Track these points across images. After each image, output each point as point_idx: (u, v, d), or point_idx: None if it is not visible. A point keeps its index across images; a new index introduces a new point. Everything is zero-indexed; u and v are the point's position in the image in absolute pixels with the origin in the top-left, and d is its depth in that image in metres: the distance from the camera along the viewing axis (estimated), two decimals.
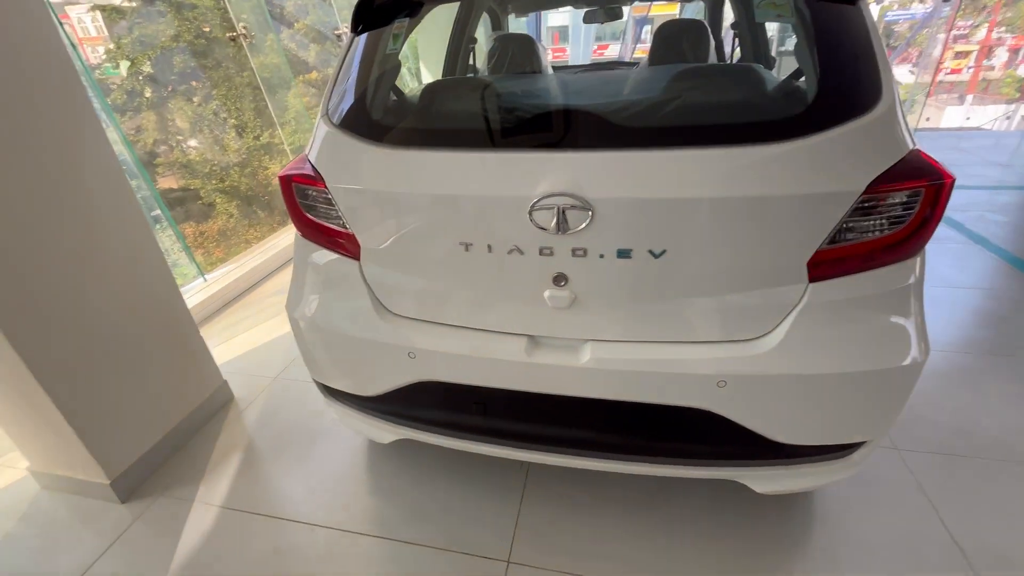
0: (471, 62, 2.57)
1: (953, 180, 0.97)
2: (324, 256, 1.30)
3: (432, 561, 1.43)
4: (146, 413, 1.78)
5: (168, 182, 4.48)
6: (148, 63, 4.09)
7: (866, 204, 0.96)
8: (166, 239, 3.25)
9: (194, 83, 4.74)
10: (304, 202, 1.26)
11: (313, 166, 1.22)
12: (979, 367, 2.08)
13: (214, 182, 4.90)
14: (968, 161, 4.94)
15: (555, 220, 0.99)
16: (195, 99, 4.75)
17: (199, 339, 2.01)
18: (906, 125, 1.00)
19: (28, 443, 1.70)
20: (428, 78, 5.30)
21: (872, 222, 0.98)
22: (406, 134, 1.18)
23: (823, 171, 0.95)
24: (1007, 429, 1.75)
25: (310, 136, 1.28)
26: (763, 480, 1.24)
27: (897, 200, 0.97)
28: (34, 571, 1.51)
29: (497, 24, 2.91)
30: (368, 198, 1.16)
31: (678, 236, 1.00)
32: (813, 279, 1.02)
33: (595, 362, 1.10)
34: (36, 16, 1.41)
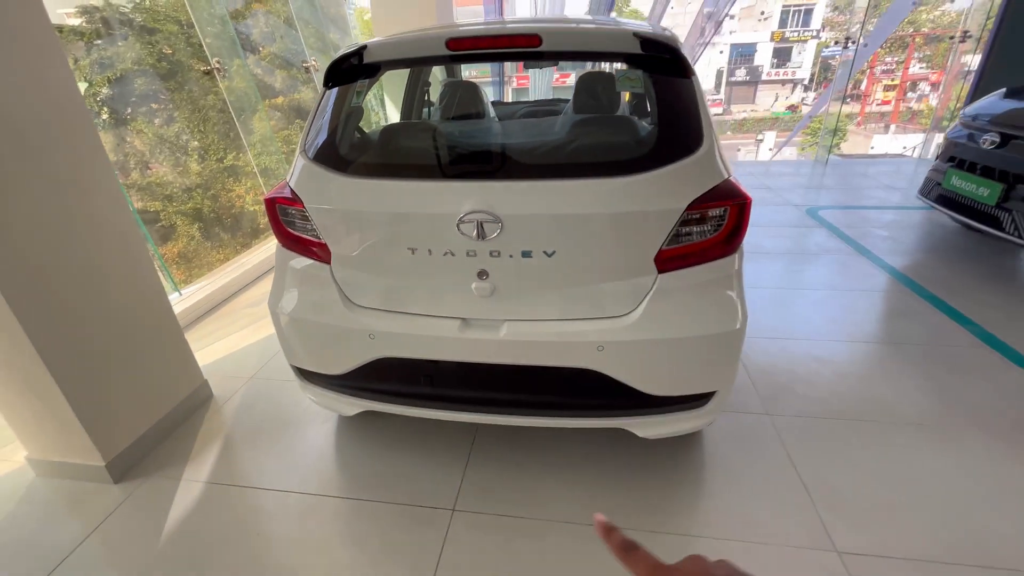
0: (428, 101, 2.98)
1: (750, 200, 1.42)
2: (301, 262, 1.64)
3: (387, 513, 1.75)
4: (138, 404, 2.04)
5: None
6: (107, 85, 4.19)
7: (690, 217, 1.38)
8: None
9: (154, 105, 4.91)
10: (285, 219, 1.60)
11: (293, 190, 1.57)
12: (847, 353, 2.56)
13: (175, 204, 5.01)
14: (868, 185, 5.69)
15: (476, 230, 1.38)
16: (156, 121, 4.92)
17: (183, 341, 2.28)
18: (722, 161, 1.45)
19: (29, 431, 1.93)
20: (395, 115, 5.62)
21: (696, 230, 1.41)
22: (366, 166, 1.55)
23: (660, 195, 1.37)
24: (854, 398, 2.22)
25: (276, 158, 1.64)
26: (643, 427, 1.63)
27: (712, 215, 1.40)
28: (34, 545, 1.72)
29: (451, 71, 3.35)
30: (337, 215, 1.51)
31: (564, 241, 1.40)
32: (661, 271, 1.44)
33: (510, 335, 1.48)
34: (46, 48, 1.70)
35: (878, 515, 1.66)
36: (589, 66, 4.58)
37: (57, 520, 1.80)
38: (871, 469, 1.84)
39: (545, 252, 1.41)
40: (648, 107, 2.62)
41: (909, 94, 28.04)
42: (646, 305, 1.45)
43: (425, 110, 2.94)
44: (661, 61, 1.46)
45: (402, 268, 1.52)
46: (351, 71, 1.63)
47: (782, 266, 3.64)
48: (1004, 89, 3.58)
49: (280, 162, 4.92)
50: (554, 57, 1.48)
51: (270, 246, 4.20)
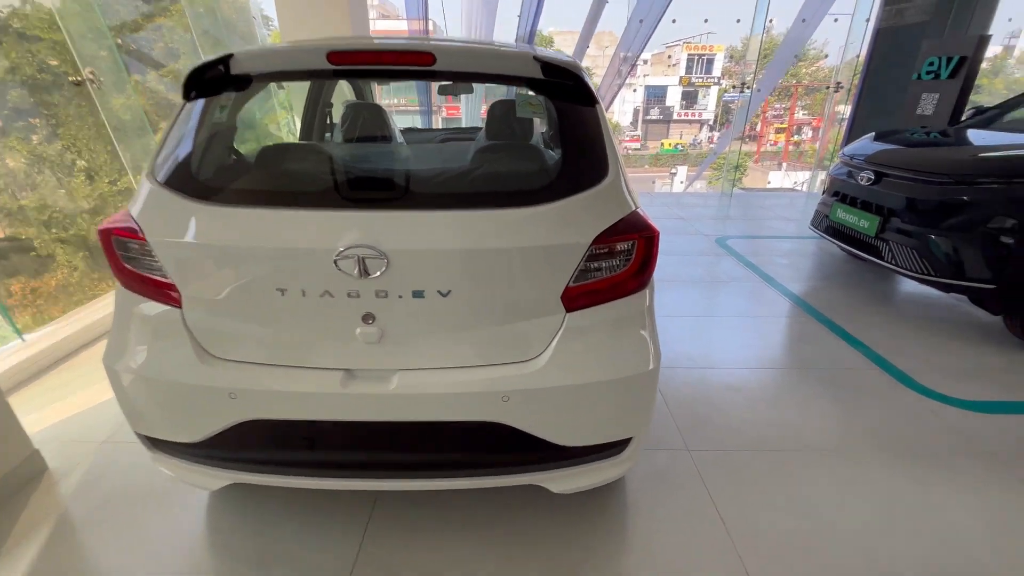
0: (330, 125, 2.76)
1: (658, 233, 1.35)
2: (145, 306, 1.34)
3: None
4: None
5: None
6: None
7: (596, 252, 1.28)
8: None
9: (33, 120, 4.32)
10: (124, 254, 1.31)
11: (135, 220, 1.29)
12: (756, 378, 2.61)
13: (55, 231, 4.40)
14: (767, 216, 6.17)
15: (357, 267, 1.18)
16: (35, 138, 4.31)
17: (3, 405, 1.82)
18: (629, 192, 1.37)
19: None
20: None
21: (604, 264, 1.31)
22: (229, 193, 1.31)
23: (564, 227, 1.26)
24: (767, 426, 2.23)
25: None
26: (557, 481, 1.48)
27: (620, 248, 1.31)
28: None
29: (358, 92, 3.16)
30: (187, 250, 1.25)
31: (461, 279, 1.25)
32: (569, 309, 1.32)
33: (402, 388, 1.28)
34: None
35: (792, 550, 1.62)
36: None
37: None
38: (784, 500, 1.82)
39: (439, 291, 1.24)
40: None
41: (796, 136, 31.85)
42: (555, 347, 1.32)
43: (328, 135, 2.71)
44: (563, 88, 1.39)
45: (269, 313, 1.28)
46: (217, 82, 1.40)
47: (696, 294, 3.75)
48: (873, 133, 4.01)
49: None
50: (449, 78, 1.36)
51: None
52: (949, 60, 5.10)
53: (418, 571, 1.53)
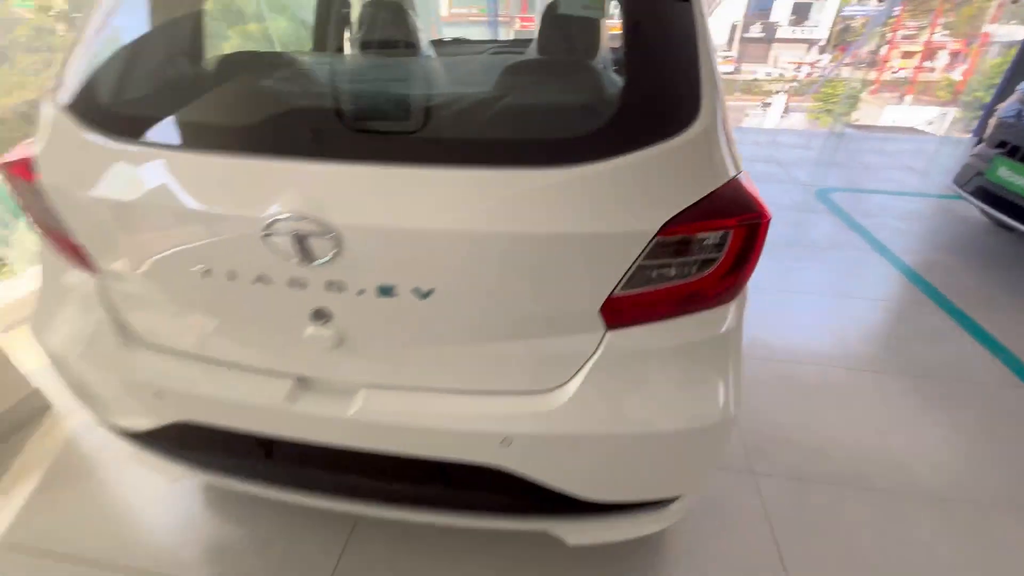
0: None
1: (768, 219, 0.85)
2: (62, 266, 1.05)
3: None
4: None
5: None
6: None
7: (664, 244, 0.81)
8: None
9: None
10: (24, 200, 1.00)
11: (33, 158, 0.96)
12: (853, 384, 2.07)
13: None
14: (887, 165, 5.07)
15: (294, 248, 0.80)
16: None
17: None
18: (729, 147, 0.86)
19: None
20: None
21: (672, 264, 0.84)
22: (147, 126, 0.93)
23: (615, 203, 0.79)
24: (862, 453, 1.74)
25: None
26: (575, 533, 1.12)
27: (703, 241, 0.83)
28: None
29: None
30: (89, 204, 0.92)
31: (448, 274, 0.83)
32: (611, 326, 0.88)
33: (365, 412, 0.93)
34: None
35: None
36: None
37: None
38: (879, 561, 1.39)
39: (417, 290, 0.84)
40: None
41: (928, 63, 26.60)
42: (585, 377, 0.90)
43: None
44: None
45: (195, 298, 0.95)
46: None
47: (783, 261, 3.09)
48: None
49: None
50: None
51: None
52: None
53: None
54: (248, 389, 0.97)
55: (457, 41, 2.84)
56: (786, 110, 23.06)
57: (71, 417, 1.84)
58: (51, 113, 0.96)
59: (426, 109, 0.93)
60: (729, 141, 0.87)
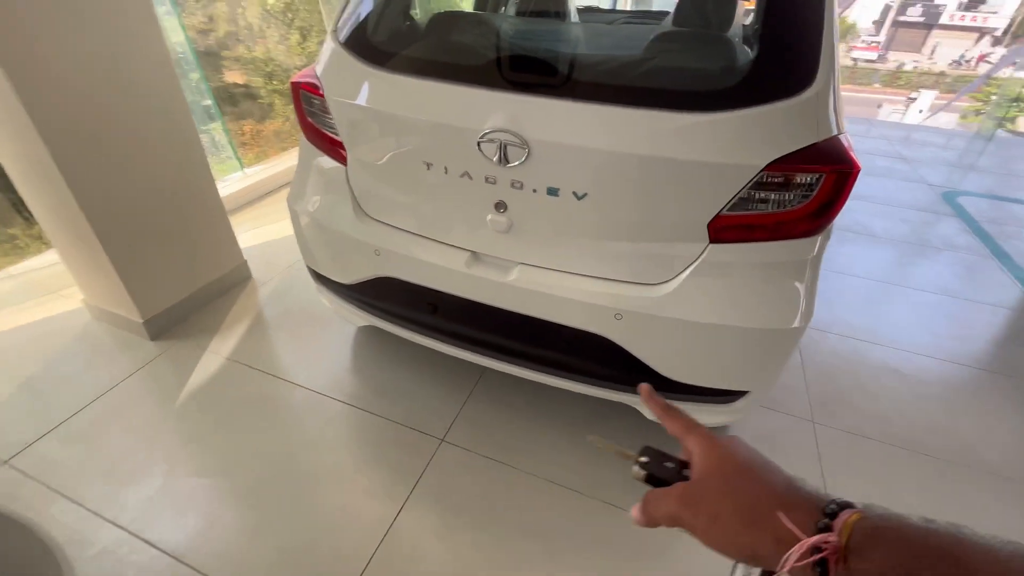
0: None
1: (857, 169, 1.07)
2: (320, 159, 1.51)
3: (381, 428, 1.75)
4: (176, 273, 2.13)
5: (235, 76, 4.56)
6: None
7: (767, 180, 1.07)
8: (217, 132, 3.54)
9: None
10: (308, 108, 1.46)
11: (318, 77, 1.41)
12: (939, 373, 2.15)
13: (274, 82, 5.07)
14: None
15: (497, 153, 1.16)
16: None
17: (226, 222, 2.32)
18: (835, 112, 1.09)
19: (84, 280, 2.09)
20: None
21: (773, 197, 1.10)
22: (397, 60, 1.34)
23: (734, 143, 1.06)
24: (927, 425, 1.87)
25: None
26: None
27: (799, 180, 1.08)
28: (81, 379, 1.92)
29: None
30: (355, 112, 1.35)
31: (599, 183, 1.16)
32: (713, 240, 1.17)
33: (519, 280, 1.30)
34: None
35: None
36: None
37: (99, 363, 1.99)
38: (919, 511, 1.56)
39: (575, 193, 1.17)
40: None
41: None
42: (685, 278, 1.20)
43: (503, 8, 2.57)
44: None
45: (416, 184, 1.36)
46: None
47: (889, 256, 3.08)
48: None
49: None
50: None
51: None
52: None
53: (501, 448, 1.69)
54: (437, 256, 1.38)
55: (592, 9, 3.08)
56: (932, 109, 20.31)
57: (266, 286, 2.45)
58: (332, 47, 1.39)
59: (602, 64, 1.25)
60: (836, 107, 1.09)
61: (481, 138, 1.17)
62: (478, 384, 1.92)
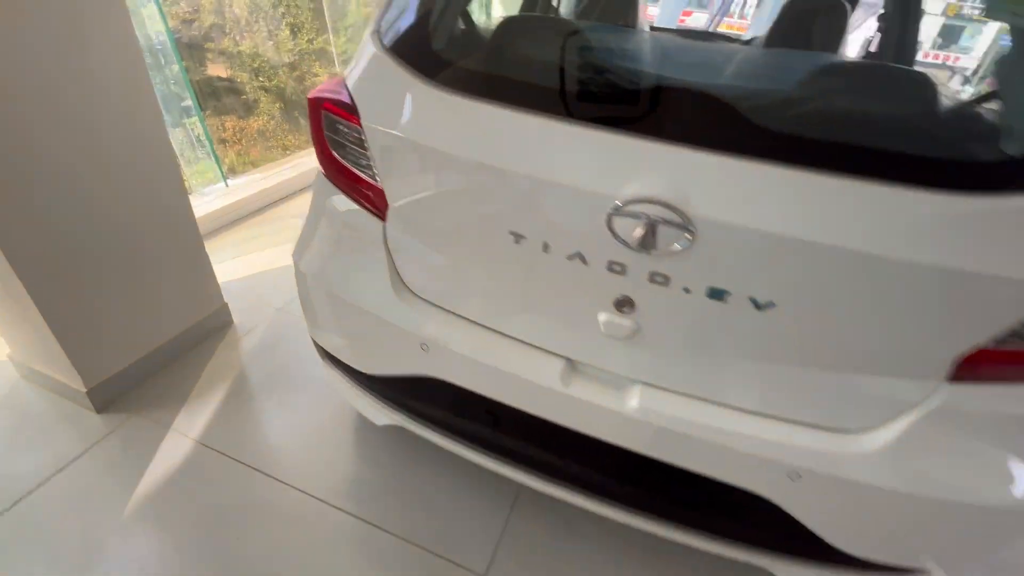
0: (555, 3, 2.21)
1: None
2: (345, 204, 1.08)
3: (401, 555, 1.31)
4: (135, 325, 1.65)
5: (218, 69, 4.21)
6: None
7: None
8: (195, 126, 3.05)
9: None
10: (332, 136, 1.03)
11: (350, 94, 0.98)
12: None
13: (260, 79, 4.70)
14: None
15: (641, 233, 0.75)
16: None
17: (203, 254, 1.84)
18: None
19: (9, 333, 1.60)
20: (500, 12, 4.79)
21: None
22: (468, 77, 0.92)
23: (1010, 243, 0.68)
24: None
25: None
26: (795, 575, 1.04)
27: None
28: (3, 463, 1.44)
29: None
30: (408, 148, 0.92)
31: (796, 289, 0.76)
32: (956, 379, 0.78)
33: (642, 412, 0.89)
34: None
35: None
36: None
37: (30, 442, 1.50)
38: None
39: (754, 300, 0.77)
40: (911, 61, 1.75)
41: None
42: (905, 428, 0.81)
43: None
44: None
45: (494, 260, 0.94)
46: None
47: None
48: None
49: None
50: None
51: None
52: None
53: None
54: (519, 363, 0.96)
55: (666, 29, 2.69)
56: None
57: (250, 335, 1.98)
58: (375, 52, 0.97)
59: (802, 107, 0.85)
60: None
61: (615, 210, 0.76)
62: (520, 493, 1.48)
